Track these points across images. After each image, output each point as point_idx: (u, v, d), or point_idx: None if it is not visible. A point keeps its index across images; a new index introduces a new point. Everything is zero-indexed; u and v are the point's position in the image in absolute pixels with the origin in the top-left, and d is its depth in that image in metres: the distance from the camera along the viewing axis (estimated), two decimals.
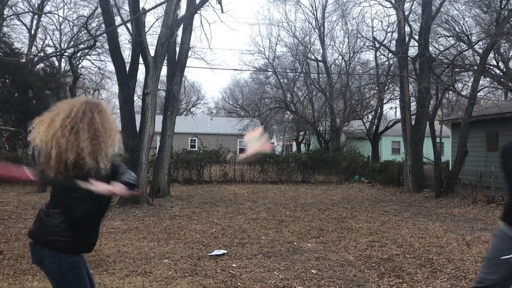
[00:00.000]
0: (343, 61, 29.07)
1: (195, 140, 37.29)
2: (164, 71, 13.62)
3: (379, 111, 29.83)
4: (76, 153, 2.39)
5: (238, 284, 4.88)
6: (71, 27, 25.27)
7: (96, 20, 23.47)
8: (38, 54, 23.97)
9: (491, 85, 17.08)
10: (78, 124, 2.44)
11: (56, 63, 25.03)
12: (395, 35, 17.39)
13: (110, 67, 37.73)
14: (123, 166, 2.60)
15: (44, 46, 26.91)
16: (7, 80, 17.97)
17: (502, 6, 12.79)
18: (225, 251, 6.30)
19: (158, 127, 13.20)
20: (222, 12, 12.38)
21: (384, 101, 29.29)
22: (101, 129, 2.48)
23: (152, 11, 29.10)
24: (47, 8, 24.74)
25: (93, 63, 30.12)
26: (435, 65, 14.63)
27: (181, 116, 43.41)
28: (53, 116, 2.48)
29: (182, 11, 13.40)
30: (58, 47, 25.97)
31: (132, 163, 11.34)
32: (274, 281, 5.00)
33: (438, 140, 14.92)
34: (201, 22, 29.69)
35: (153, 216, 9.53)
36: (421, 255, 6.25)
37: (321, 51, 28.83)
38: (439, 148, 15.16)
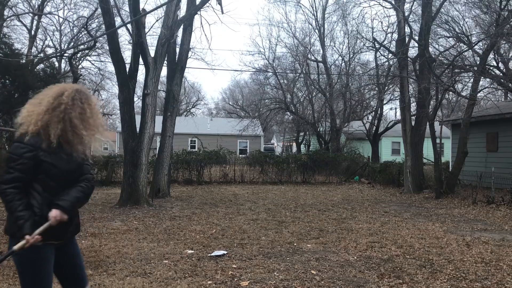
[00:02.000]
0: (343, 61, 29.11)
1: (195, 140, 37.32)
2: (164, 71, 13.65)
3: (379, 112, 29.86)
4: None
5: (239, 284, 4.88)
6: (71, 28, 25.36)
7: (96, 21, 23.56)
8: (38, 55, 24.00)
9: (491, 86, 17.11)
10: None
11: (56, 64, 25.08)
12: (395, 35, 17.40)
13: (110, 67, 37.85)
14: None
15: (44, 46, 27.00)
16: (7, 81, 17.98)
17: (502, 7, 12.80)
18: (225, 252, 6.30)
19: (158, 128, 13.21)
20: (222, 13, 12.40)
21: (384, 102, 29.35)
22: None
23: (152, 11, 29.07)
24: (47, 9, 24.83)
25: (93, 64, 30.14)
26: (435, 65, 14.64)
27: (181, 116, 43.44)
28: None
29: (182, 12, 13.43)
30: (58, 47, 26.03)
31: (132, 163, 11.37)
32: (274, 281, 5.00)
33: (438, 140, 14.92)
34: (201, 23, 29.61)
35: (153, 216, 9.53)
36: (421, 255, 6.25)
37: (321, 51, 28.85)
38: (439, 149, 15.16)
